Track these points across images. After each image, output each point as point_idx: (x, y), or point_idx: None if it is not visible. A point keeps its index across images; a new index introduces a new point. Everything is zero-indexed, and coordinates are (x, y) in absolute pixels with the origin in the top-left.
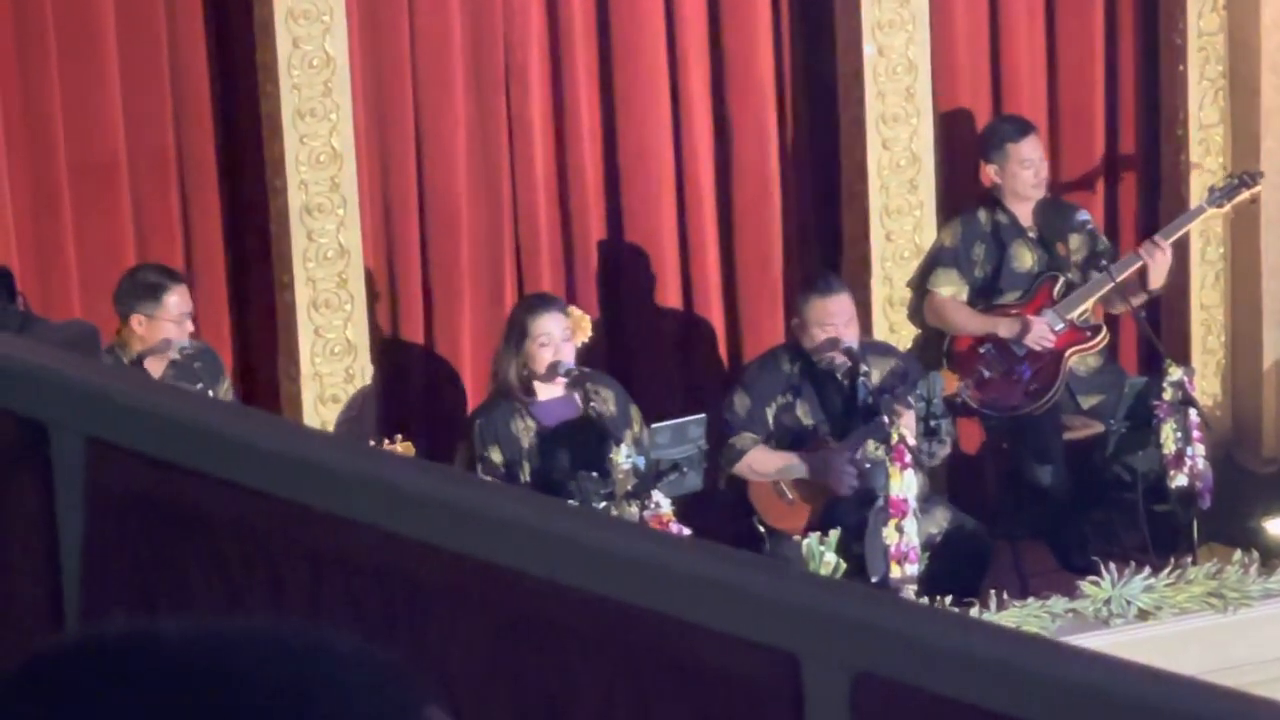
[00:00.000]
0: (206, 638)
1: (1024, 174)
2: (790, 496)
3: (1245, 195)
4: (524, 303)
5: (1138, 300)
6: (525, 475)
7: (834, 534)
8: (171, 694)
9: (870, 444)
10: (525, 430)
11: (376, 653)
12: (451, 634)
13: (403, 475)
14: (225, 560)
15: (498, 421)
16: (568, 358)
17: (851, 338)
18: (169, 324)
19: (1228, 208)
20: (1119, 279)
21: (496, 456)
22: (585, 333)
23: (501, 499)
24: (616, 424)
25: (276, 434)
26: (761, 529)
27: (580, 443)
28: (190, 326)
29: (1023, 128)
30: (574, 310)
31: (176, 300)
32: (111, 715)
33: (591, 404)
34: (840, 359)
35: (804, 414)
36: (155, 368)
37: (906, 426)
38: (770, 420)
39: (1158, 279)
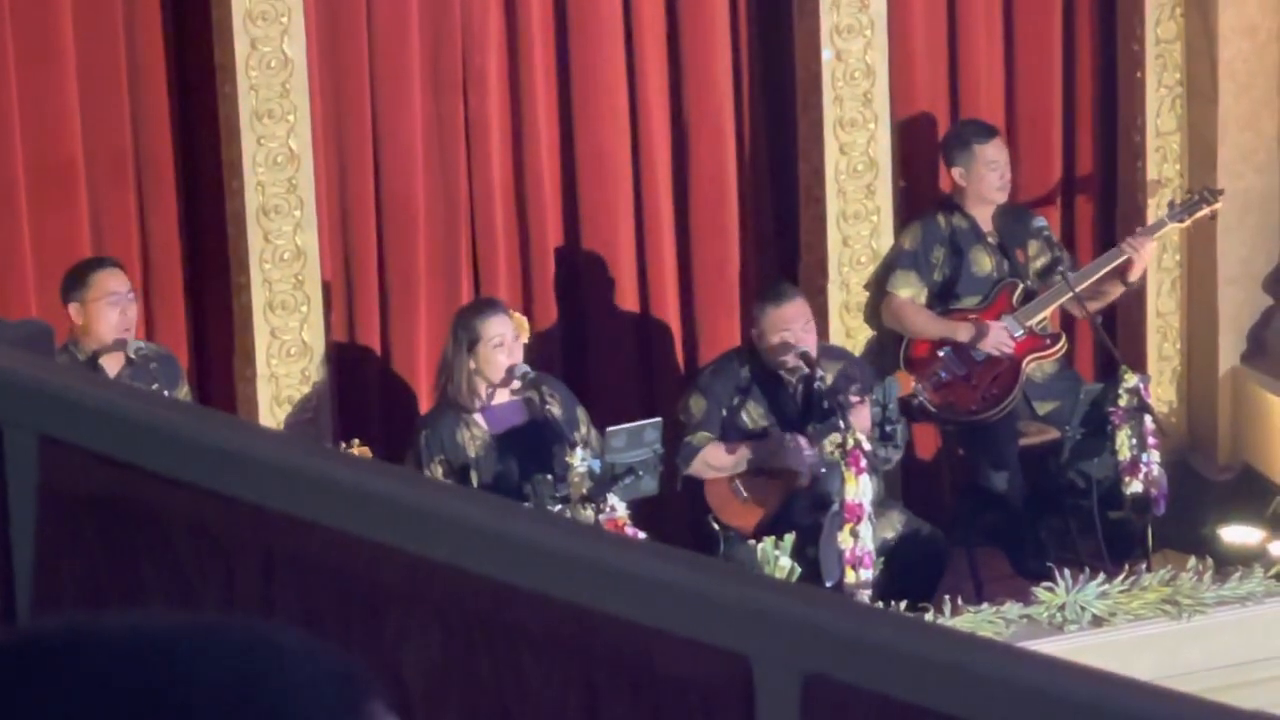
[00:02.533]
0: (151, 631)
1: (989, 176)
2: (745, 495)
3: (1204, 211)
4: (471, 307)
5: (1115, 294)
6: (476, 483)
7: (789, 538)
8: (114, 687)
9: (826, 445)
10: (471, 439)
11: (322, 648)
12: (404, 634)
13: (357, 476)
14: (178, 559)
15: (443, 432)
16: (518, 359)
17: (811, 342)
18: (101, 305)
19: (1188, 223)
20: (1078, 289)
21: (442, 468)
22: (525, 334)
23: (456, 501)
24: (565, 426)
25: (230, 433)
26: (716, 526)
27: (530, 447)
28: (132, 314)
29: (988, 130)
30: (513, 313)
31: (105, 281)
32: (53, 709)
33: (545, 406)
34: (794, 363)
35: (754, 416)
36: (111, 366)
37: (860, 422)
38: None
39: (1138, 273)
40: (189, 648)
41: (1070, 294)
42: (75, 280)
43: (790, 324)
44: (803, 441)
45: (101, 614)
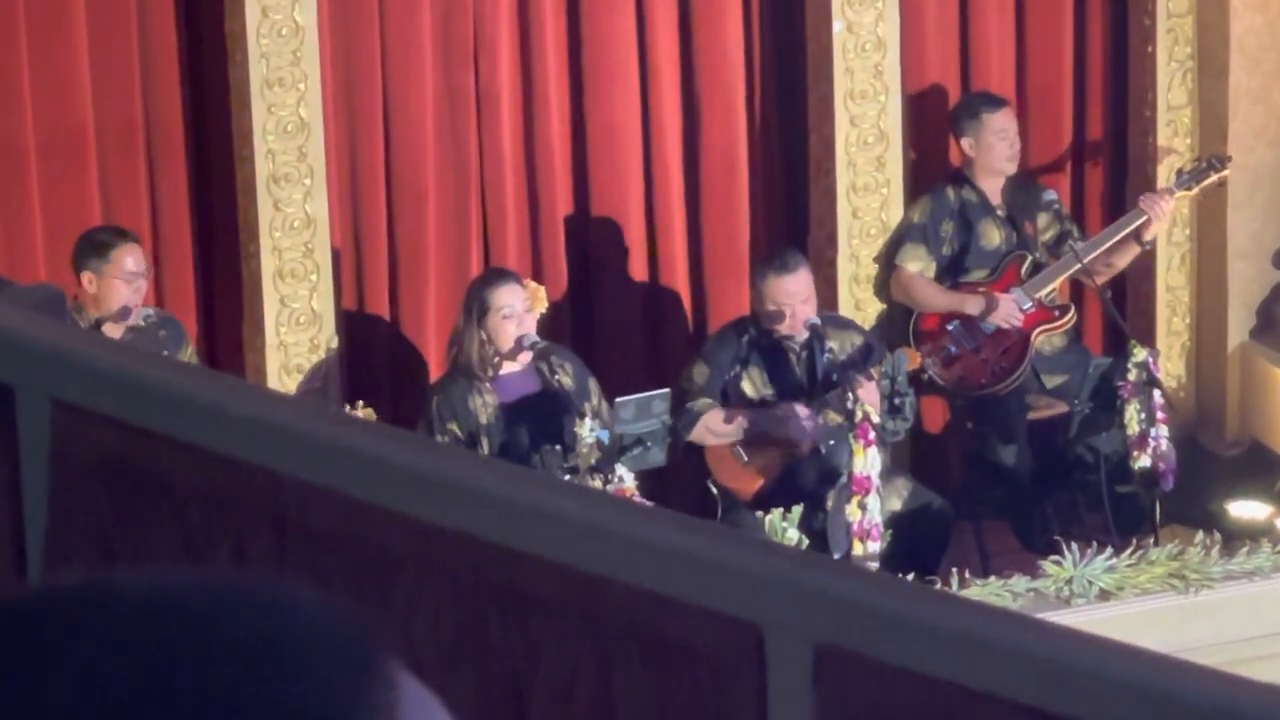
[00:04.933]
0: (166, 588)
1: (999, 145)
2: (745, 459)
3: (1213, 179)
4: (482, 278)
5: (1128, 259)
6: (485, 451)
7: (796, 510)
8: (130, 644)
9: (830, 412)
10: (483, 406)
11: (337, 605)
12: (416, 601)
13: (368, 441)
14: (189, 524)
15: (455, 398)
16: (530, 330)
17: (809, 315)
18: (117, 282)
19: (1195, 191)
20: (1087, 260)
21: (455, 433)
22: (542, 304)
23: (468, 466)
24: (576, 397)
25: (243, 398)
26: (715, 490)
27: (540, 417)
28: (144, 288)
29: (998, 100)
30: (529, 283)
31: (125, 258)
32: (68, 666)
33: (556, 376)
34: (788, 330)
35: (754, 385)
36: (114, 334)
37: (870, 402)
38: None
39: (1153, 232)
40: (205, 604)
41: (1079, 265)
42: (94, 251)
43: (790, 297)
44: (802, 410)
45: (116, 571)
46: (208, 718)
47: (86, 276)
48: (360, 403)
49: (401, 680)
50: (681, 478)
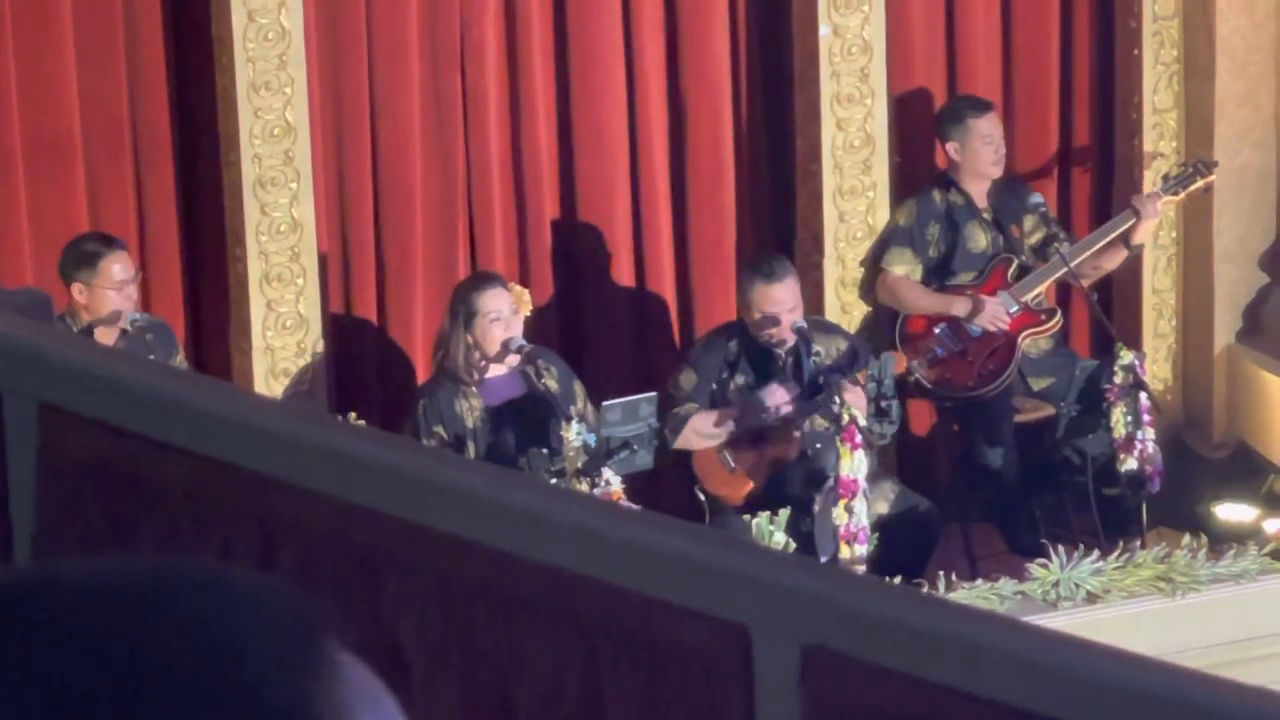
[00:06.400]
0: (107, 574)
1: (984, 150)
2: (734, 466)
3: (1199, 184)
4: (468, 282)
5: (1116, 263)
6: (472, 454)
7: (784, 513)
8: (71, 630)
9: (817, 418)
10: (469, 410)
11: (277, 586)
12: (403, 602)
13: (356, 444)
14: (176, 526)
15: (441, 402)
16: (516, 333)
17: (795, 321)
18: (109, 292)
19: (1181, 196)
20: (1074, 264)
21: (441, 437)
22: (527, 307)
23: (455, 469)
24: (562, 400)
25: (229, 401)
26: (702, 497)
27: (526, 420)
28: (134, 294)
29: (983, 104)
30: (514, 286)
31: (114, 267)
32: (8, 656)
33: (542, 380)
34: (780, 337)
35: (742, 390)
36: (106, 339)
37: (856, 406)
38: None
39: (1145, 234)
40: (145, 589)
41: (1066, 269)
42: (83, 263)
43: (777, 305)
44: (779, 393)
45: (57, 562)
46: (151, 699)
47: (76, 287)
48: (353, 415)
49: (345, 662)
50: (669, 482)
